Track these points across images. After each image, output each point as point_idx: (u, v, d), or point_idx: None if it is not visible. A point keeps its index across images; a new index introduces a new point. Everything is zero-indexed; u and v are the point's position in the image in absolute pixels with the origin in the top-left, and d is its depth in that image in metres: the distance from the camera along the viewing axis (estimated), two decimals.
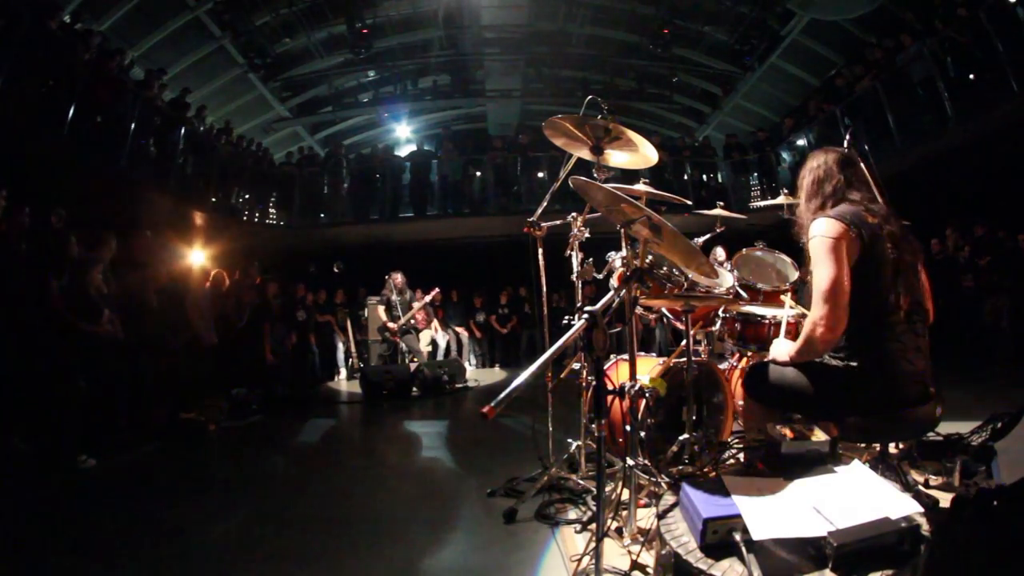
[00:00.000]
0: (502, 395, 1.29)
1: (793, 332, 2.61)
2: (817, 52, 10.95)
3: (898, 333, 1.84)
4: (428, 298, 7.93)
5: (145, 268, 5.12)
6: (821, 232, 1.85)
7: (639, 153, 2.51)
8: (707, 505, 1.45)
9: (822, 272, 1.82)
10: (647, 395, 2.05)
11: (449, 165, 10.95)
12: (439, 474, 3.61)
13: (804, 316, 2.31)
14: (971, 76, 7.25)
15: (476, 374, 9.11)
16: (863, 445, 2.55)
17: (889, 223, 1.89)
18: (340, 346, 9.70)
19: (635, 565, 1.84)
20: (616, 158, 2.58)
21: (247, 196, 10.34)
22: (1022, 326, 6.42)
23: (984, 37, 6.76)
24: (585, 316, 1.54)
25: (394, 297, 7.62)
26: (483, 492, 2.89)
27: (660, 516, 1.59)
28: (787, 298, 2.68)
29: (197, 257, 7.51)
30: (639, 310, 3.14)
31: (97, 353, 4.06)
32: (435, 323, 10.07)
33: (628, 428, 1.95)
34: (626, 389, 1.98)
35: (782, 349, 1.98)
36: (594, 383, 1.61)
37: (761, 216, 5.66)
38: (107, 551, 2.42)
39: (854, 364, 1.87)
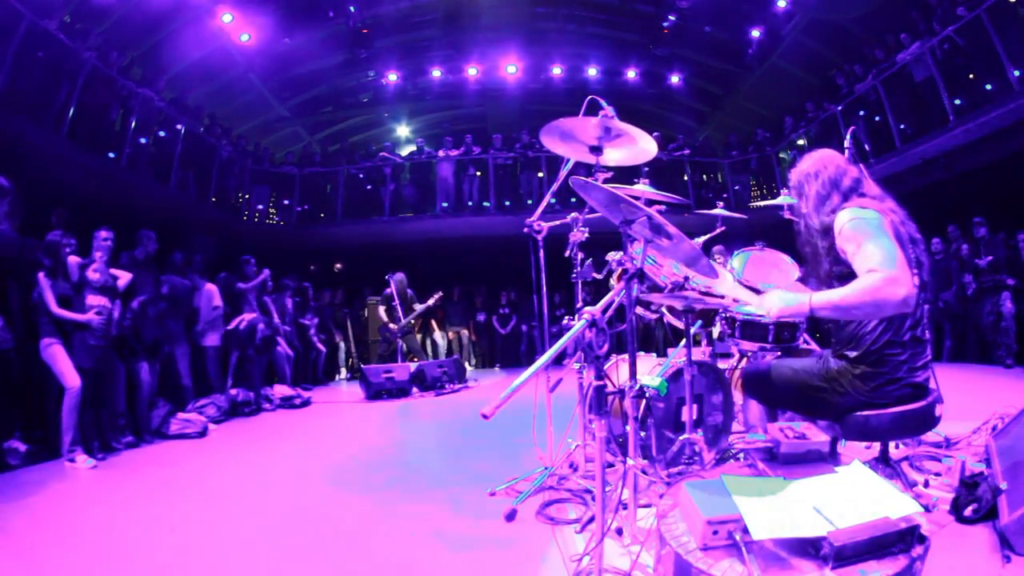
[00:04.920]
0: (502, 395, 1.29)
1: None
2: (817, 52, 10.94)
3: (906, 331, 1.85)
4: (431, 302, 7.95)
5: (146, 267, 5.11)
6: (862, 215, 1.78)
7: (638, 147, 2.50)
8: (707, 505, 1.45)
9: (882, 242, 1.70)
10: (647, 395, 2.04)
11: (449, 165, 10.97)
12: (439, 474, 3.61)
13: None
14: (971, 76, 7.26)
15: (476, 374, 9.10)
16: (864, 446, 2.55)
17: (905, 224, 1.88)
18: (341, 346, 9.71)
19: (635, 565, 1.84)
20: (615, 155, 2.57)
21: (247, 196, 10.35)
22: (1022, 326, 6.43)
23: (984, 37, 6.76)
24: (584, 316, 1.54)
25: (395, 299, 7.64)
26: (483, 492, 2.89)
27: (660, 516, 1.59)
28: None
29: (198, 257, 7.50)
30: (639, 309, 3.14)
31: (95, 351, 4.06)
32: (433, 323, 10.10)
33: (628, 428, 1.95)
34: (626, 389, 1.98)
35: (828, 296, 1.72)
36: (594, 383, 1.61)
37: (761, 216, 5.66)
38: (107, 551, 2.42)
39: (861, 361, 1.87)
